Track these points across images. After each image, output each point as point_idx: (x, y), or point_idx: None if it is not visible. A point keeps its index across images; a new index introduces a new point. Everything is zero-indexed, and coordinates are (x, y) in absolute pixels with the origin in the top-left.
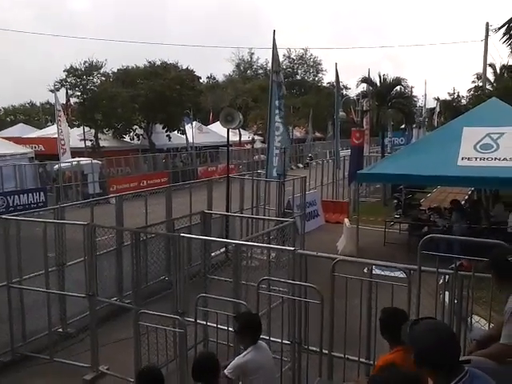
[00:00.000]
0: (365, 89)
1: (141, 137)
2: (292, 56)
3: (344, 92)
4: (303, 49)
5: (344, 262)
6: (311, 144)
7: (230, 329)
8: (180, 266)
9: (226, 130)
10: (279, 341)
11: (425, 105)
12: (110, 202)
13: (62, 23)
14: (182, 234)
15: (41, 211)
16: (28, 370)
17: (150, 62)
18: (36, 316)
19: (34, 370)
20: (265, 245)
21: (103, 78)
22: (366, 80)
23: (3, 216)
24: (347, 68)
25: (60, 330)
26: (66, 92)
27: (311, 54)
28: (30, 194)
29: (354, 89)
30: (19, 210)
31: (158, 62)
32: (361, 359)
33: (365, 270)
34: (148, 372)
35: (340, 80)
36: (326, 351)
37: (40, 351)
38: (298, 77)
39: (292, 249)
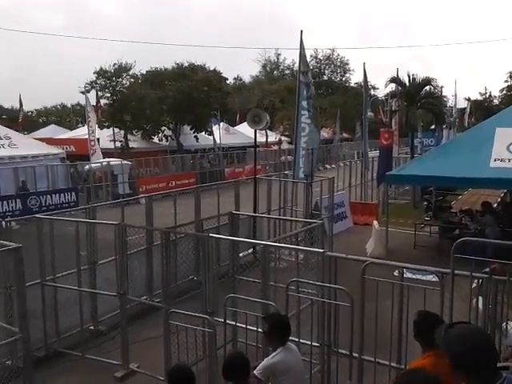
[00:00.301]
0: (393, 89)
1: (169, 138)
2: (319, 56)
3: (372, 92)
4: (330, 49)
5: (374, 264)
6: (338, 145)
7: (259, 330)
8: (209, 266)
9: (252, 130)
10: (308, 343)
11: (455, 105)
12: (140, 202)
13: (93, 26)
14: (210, 235)
15: (72, 211)
16: (61, 366)
17: (177, 64)
18: (68, 313)
19: (66, 366)
20: (293, 246)
21: (132, 80)
22: (395, 80)
23: (37, 215)
24: (375, 68)
25: (91, 327)
26: (96, 94)
27: (338, 54)
28: (62, 194)
29: (382, 89)
30: (51, 210)
31: (186, 64)
32: (392, 363)
33: (395, 273)
34: (179, 370)
35: (368, 80)
36: (356, 354)
37: (72, 348)
38: (325, 77)
39: (321, 251)
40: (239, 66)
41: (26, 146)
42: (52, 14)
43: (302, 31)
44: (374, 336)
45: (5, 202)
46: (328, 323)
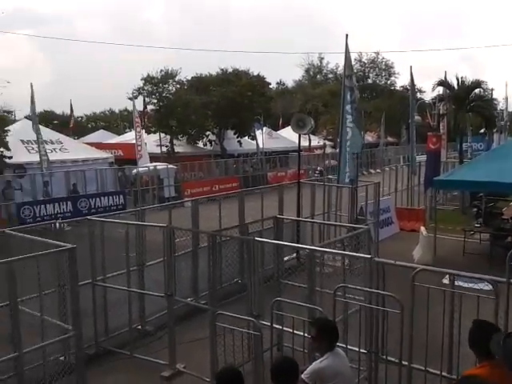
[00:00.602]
0: (441, 92)
1: (213, 142)
2: (363, 59)
3: (418, 95)
4: (375, 52)
5: (422, 271)
6: (383, 149)
7: (306, 334)
8: (254, 269)
9: (295, 135)
10: (355, 349)
11: (506, 108)
12: (185, 206)
13: (141, 33)
14: (256, 238)
15: (122, 213)
16: (110, 364)
17: (222, 70)
18: (117, 313)
19: (115, 365)
20: (340, 251)
21: (178, 86)
22: (443, 83)
23: (89, 217)
24: (421, 70)
25: (139, 327)
26: (144, 99)
27: (383, 57)
28: (111, 197)
29: (428, 92)
30: (100, 212)
31: (230, 69)
32: (443, 373)
33: (444, 281)
34: (228, 372)
35: (414, 83)
36: (406, 362)
37: (121, 346)
38: (370, 80)
39: (369, 256)
40: (282, 70)
41: (76, 150)
42: (102, 23)
43: (347, 35)
44: (423, 344)
45: (56, 204)
46: (376, 330)
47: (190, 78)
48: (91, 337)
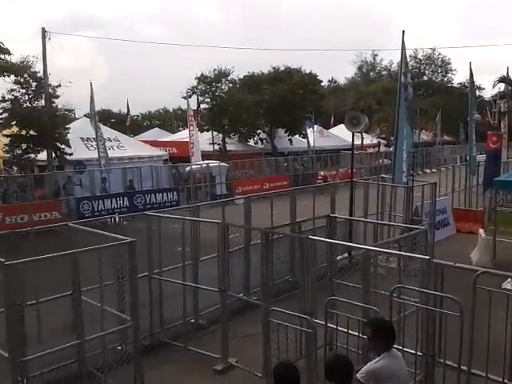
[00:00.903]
0: (502, 89)
1: (264, 141)
2: (419, 56)
3: (477, 93)
4: (431, 48)
5: (482, 274)
6: (440, 148)
7: (360, 335)
8: (307, 267)
9: (347, 133)
10: (410, 351)
11: None
12: (235, 203)
13: (194, 33)
14: (310, 236)
15: (177, 209)
16: (165, 355)
17: (274, 68)
18: (172, 306)
19: (169, 356)
20: (397, 252)
21: (230, 85)
22: (504, 79)
23: (146, 212)
24: (480, 67)
25: (192, 320)
26: (197, 98)
27: (439, 53)
28: (165, 193)
29: (488, 89)
30: (155, 208)
31: (282, 68)
32: (505, 380)
33: (506, 285)
34: (286, 367)
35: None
36: (465, 367)
37: (175, 339)
38: (425, 77)
39: (427, 258)
40: (334, 68)
41: (133, 147)
42: (158, 25)
43: (403, 31)
44: (483, 349)
45: (113, 200)
46: (432, 332)
47: (242, 76)
48: (147, 328)
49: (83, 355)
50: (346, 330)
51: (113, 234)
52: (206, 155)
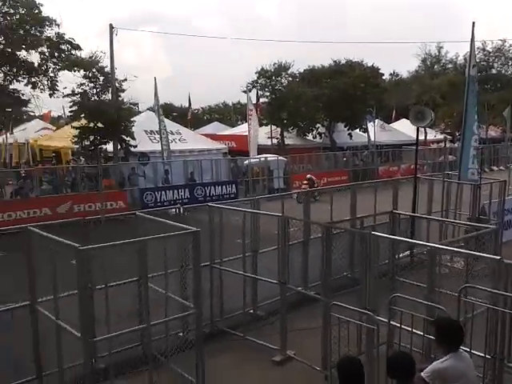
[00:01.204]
0: None
1: (323, 135)
2: (487, 48)
3: None
4: (501, 40)
5: None
6: (508, 145)
7: (424, 334)
8: (370, 263)
9: (410, 128)
10: (479, 354)
11: None
12: (292, 197)
13: (255, 27)
14: (372, 232)
15: (238, 201)
16: (224, 344)
17: (335, 61)
18: (232, 296)
19: (228, 344)
20: (467, 251)
21: (290, 79)
22: None
23: (209, 204)
24: None
25: (251, 311)
26: (257, 92)
27: (510, 45)
28: (224, 186)
29: None
30: (214, 200)
31: (343, 61)
32: None
33: None
34: (350, 361)
35: None
36: None
37: (234, 328)
38: (494, 71)
39: (498, 258)
40: (396, 61)
41: (193, 140)
42: (219, 20)
43: (473, 23)
44: None
45: (175, 191)
46: (502, 335)
47: (302, 70)
48: (207, 316)
49: (149, 339)
50: (408, 329)
51: (178, 224)
52: (264, 149)
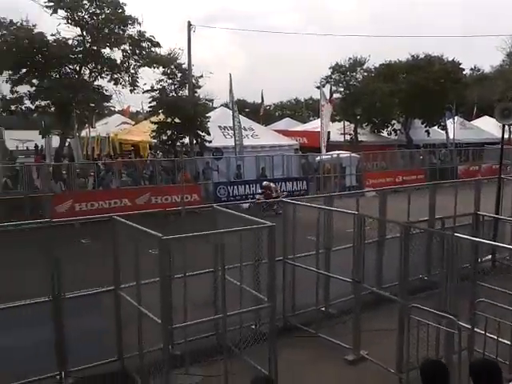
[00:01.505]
0: None
1: (398, 132)
2: None
3: None
4: None
5: None
6: None
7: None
8: (452, 266)
9: (493, 126)
10: None
11: None
12: (365, 195)
13: (328, 22)
14: (455, 234)
15: (311, 198)
16: (296, 339)
17: (412, 56)
18: (304, 292)
19: (300, 340)
20: None
21: (365, 74)
22: None
23: (283, 199)
24: None
25: (323, 308)
26: (330, 88)
27: None
28: (294, 182)
29: None
30: (285, 196)
31: (422, 55)
32: None
33: None
34: (435, 365)
35: None
36: None
37: (305, 324)
38: None
39: None
40: (477, 55)
41: (265, 136)
42: (294, 15)
43: None
44: None
45: (247, 186)
46: None
47: (377, 65)
48: (279, 311)
49: (224, 330)
50: (494, 337)
51: (253, 218)
52: (336, 145)
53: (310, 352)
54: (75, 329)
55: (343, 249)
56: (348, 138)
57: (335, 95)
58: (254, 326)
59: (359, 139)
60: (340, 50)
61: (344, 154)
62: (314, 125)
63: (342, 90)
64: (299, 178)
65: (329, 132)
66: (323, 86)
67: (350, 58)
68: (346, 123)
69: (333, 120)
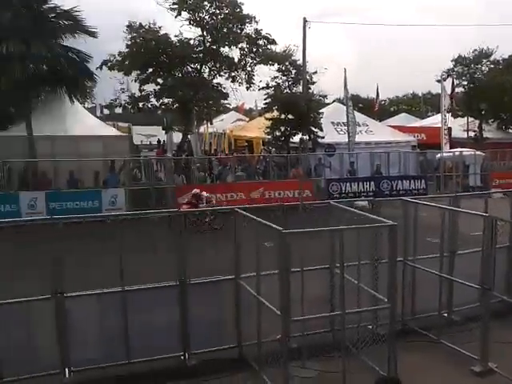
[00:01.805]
0: None
1: None
2: None
3: None
4: None
5: None
6: None
7: None
8: None
9: None
10: None
11: None
12: (491, 196)
13: (444, 12)
14: None
15: (434, 197)
16: (415, 344)
17: None
18: (424, 296)
19: (420, 345)
20: None
21: (492, 66)
22: None
23: (403, 198)
24: None
25: (445, 314)
26: (452, 81)
27: None
28: (412, 181)
29: None
30: (401, 195)
31: None
32: None
33: None
34: None
35: None
36: None
37: (426, 329)
38: None
39: None
40: None
41: (380, 132)
42: (409, 6)
43: None
44: None
45: (360, 183)
46: None
47: (507, 56)
48: (398, 313)
49: (343, 327)
50: None
51: (371, 216)
52: (458, 142)
53: (431, 358)
54: (197, 314)
55: (470, 252)
56: (472, 134)
57: (457, 89)
58: (370, 327)
59: (484, 136)
60: (463, 40)
61: (467, 151)
62: (432, 120)
63: (466, 83)
64: (417, 176)
65: (450, 128)
66: (444, 80)
67: (474, 50)
68: (470, 119)
69: (455, 116)
